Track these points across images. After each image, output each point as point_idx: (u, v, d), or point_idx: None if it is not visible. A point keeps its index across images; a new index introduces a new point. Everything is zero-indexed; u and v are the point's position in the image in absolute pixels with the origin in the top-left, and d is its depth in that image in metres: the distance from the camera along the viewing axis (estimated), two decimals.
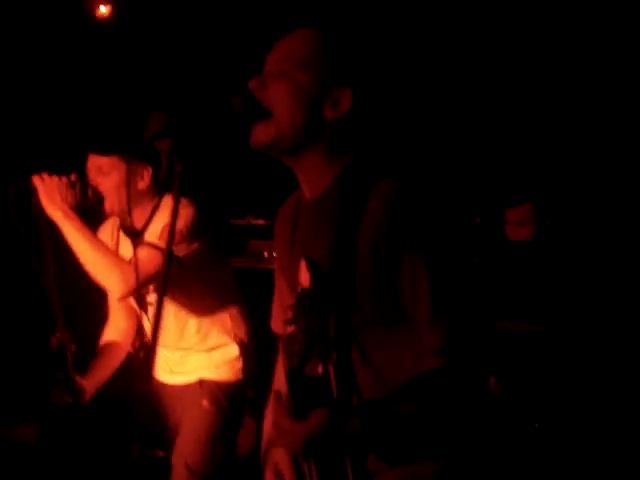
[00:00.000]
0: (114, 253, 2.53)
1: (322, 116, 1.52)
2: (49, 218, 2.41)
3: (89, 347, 2.82)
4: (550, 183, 3.63)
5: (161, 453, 2.23)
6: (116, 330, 2.86)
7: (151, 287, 2.64)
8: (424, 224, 1.44)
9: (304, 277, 1.36)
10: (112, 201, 2.53)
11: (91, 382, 2.69)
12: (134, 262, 2.46)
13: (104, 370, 2.78)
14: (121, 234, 2.71)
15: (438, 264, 1.42)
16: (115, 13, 4.28)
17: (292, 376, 1.38)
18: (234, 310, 2.75)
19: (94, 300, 2.95)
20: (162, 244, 2.44)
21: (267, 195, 4.48)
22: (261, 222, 4.78)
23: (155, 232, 2.51)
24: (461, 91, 4.31)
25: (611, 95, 4.07)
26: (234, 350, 2.72)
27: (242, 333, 2.75)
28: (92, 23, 4.27)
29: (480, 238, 3.41)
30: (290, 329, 1.36)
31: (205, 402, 2.65)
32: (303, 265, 1.37)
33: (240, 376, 2.72)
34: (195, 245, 2.50)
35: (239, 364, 2.72)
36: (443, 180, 1.62)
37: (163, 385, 2.79)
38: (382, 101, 1.58)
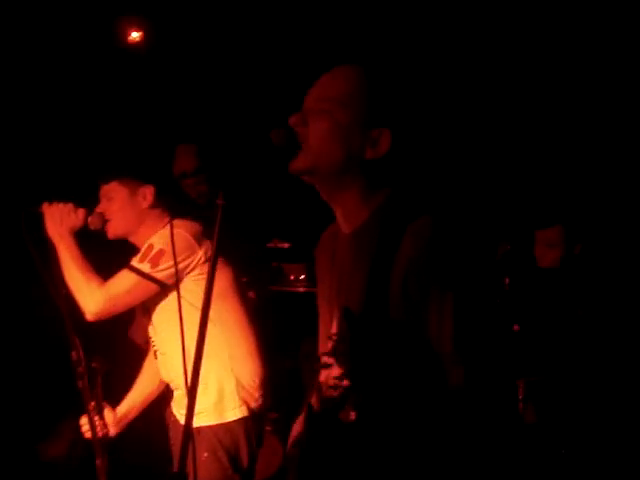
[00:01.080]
0: (92, 272, 2.52)
1: (360, 155, 1.55)
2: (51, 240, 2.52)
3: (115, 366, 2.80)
4: (582, 210, 3.61)
5: None
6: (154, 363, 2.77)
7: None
8: (454, 263, 1.46)
9: (335, 325, 1.37)
10: (117, 224, 2.61)
11: (122, 415, 2.68)
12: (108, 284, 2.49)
13: (138, 404, 2.76)
14: None
15: (464, 303, 1.45)
16: (147, 39, 4.29)
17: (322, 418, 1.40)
18: (238, 349, 2.60)
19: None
20: (138, 265, 2.47)
21: (292, 218, 4.51)
22: (286, 245, 4.80)
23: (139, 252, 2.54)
24: (490, 118, 4.32)
25: None
26: (229, 390, 2.56)
27: (244, 369, 2.60)
28: (123, 48, 4.30)
29: (511, 265, 3.41)
30: (324, 373, 1.36)
31: (206, 454, 2.51)
32: (337, 313, 1.37)
33: (239, 414, 2.56)
34: (181, 268, 2.48)
35: (235, 402, 2.56)
36: (475, 214, 1.64)
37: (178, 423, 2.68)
38: (418, 141, 1.60)
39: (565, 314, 3.29)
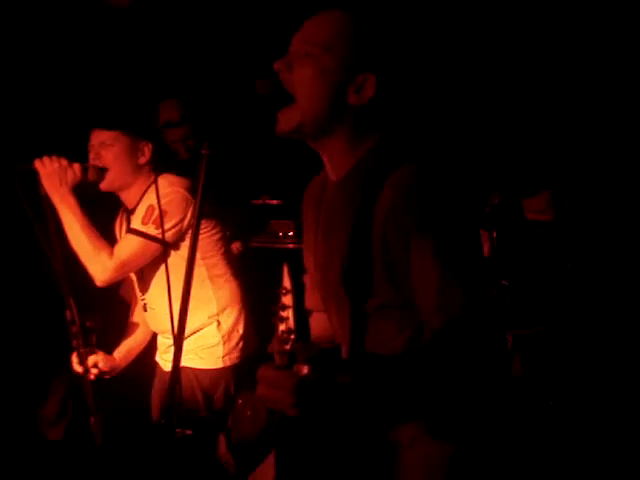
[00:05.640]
0: (101, 240, 2.51)
1: (345, 101, 1.53)
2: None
3: (110, 325, 2.79)
4: (564, 169, 3.60)
5: (189, 432, 2.22)
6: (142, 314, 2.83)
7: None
8: (433, 209, 1.43)
9: (286, 279, 1.33)
10: (113, 174, 2.55)
11: (120, 360, 2.71)
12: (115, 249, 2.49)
13: (134, 349, 2.79)
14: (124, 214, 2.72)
15: (446, 248, 1.41)
16: None
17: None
18: (224, 296, 2.68)
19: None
20: (143, 228, 2.47)
21: (282, 175, 4.48)
22: (275, 202, 4.78)
23: (139, 214, 2.52)
24: (481, 81, 4.28)
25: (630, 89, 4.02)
26: (214, 337, 2.65)
27: (230, 320, 2.68)
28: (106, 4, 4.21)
29: (498, 218, 3.40)
30: (281, 328, 1.32)
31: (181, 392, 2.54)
32: (285, 269, 1.33)
33: (220, 364, 2.65)
34: (181, 225, 2.52)
35: (219, 352, 2.65)
36: (461, 164, 1.61)
37: (161, 369, 2.80)
38: (405, 87, 1.57)
39: (554, 267, 3.30)
